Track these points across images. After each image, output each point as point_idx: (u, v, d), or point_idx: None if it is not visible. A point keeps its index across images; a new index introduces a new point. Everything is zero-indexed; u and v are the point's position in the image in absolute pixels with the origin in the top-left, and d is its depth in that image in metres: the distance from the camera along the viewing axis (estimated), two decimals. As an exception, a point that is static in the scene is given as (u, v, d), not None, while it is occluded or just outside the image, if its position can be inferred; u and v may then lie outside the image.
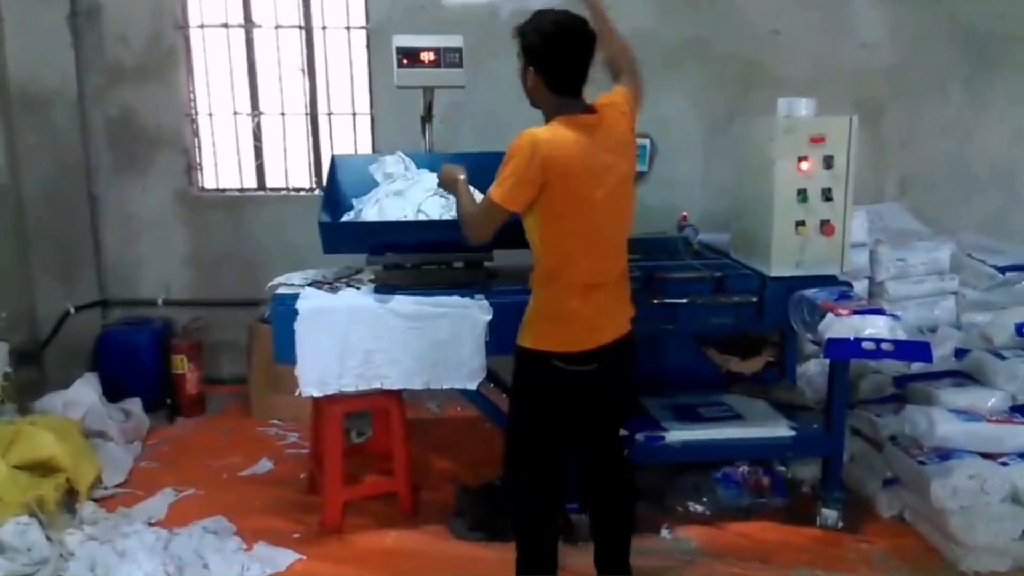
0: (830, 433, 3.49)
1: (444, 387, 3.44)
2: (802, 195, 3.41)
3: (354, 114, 5.31)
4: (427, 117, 3.94)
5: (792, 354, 4.04)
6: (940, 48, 5.12)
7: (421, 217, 3.51)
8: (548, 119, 2.61)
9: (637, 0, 5.02)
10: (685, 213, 3.86)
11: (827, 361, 3.46)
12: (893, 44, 5.14)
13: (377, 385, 3.40)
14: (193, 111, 5.29)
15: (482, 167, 3.80)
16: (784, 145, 3.39)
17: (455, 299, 3.37)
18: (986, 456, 3.34)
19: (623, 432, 3.21)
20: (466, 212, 2.75)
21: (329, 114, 5.32)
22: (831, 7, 5.11)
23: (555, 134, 2.53)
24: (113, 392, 4.56)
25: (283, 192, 5.40)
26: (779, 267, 3.46)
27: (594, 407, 2.77)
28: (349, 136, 5.34)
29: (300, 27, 5.22)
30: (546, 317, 2.67)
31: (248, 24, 5.22)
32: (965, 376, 3.79)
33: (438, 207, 3.51)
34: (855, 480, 3.76)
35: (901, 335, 3.06)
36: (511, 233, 3.50)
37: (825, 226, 3.43)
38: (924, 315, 4.45)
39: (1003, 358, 3.68)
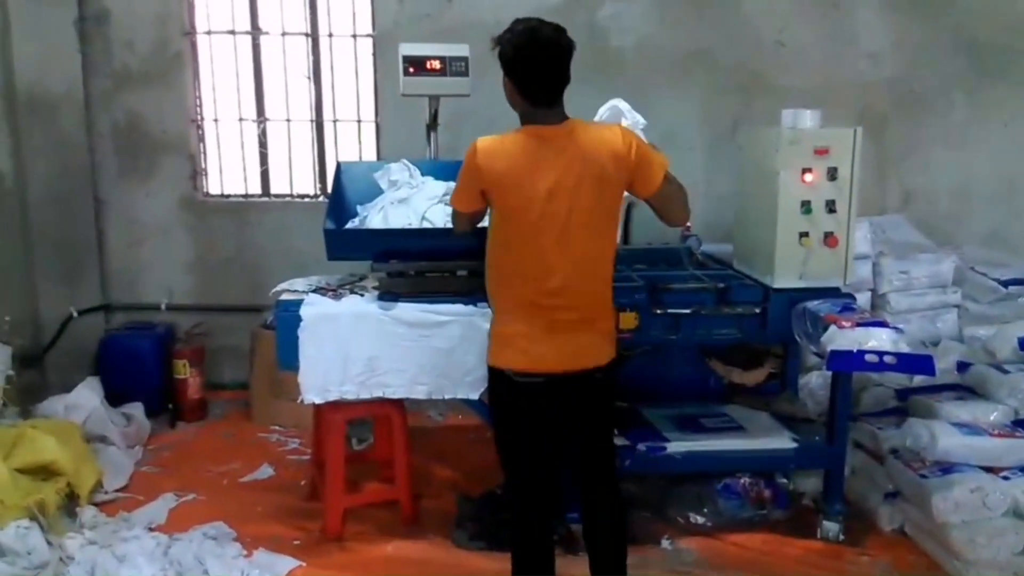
0: (832, 445, 3.49)
1: (447, 397, 3.44)
2: (806, 207, 3.41)
3: (359, 121, 5.32)
4: (432, 125, 3.95)
5: (794, 366, 4.04)
6: (944, 60, 5.12)
7: (425, 225, 3.52)
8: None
9: (643, 9, 5.04)
10: (688, 223, 3.86)
11: (829, 373, 3.46)
12: (897, 56, 5.15)
13: (379, 394, 3.40)
14: (199, 117, 5.31)
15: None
16: (788, 156, 3.40)
17: (458, 307, 3.38)
18: (988, 470, 3.33)
19: (619, 442, 3.21)
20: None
21: (334, 121, 5.34)
22: (836, 19, 5.11)
23: (500, 144, 2.53)
24: (115, 396, 4.56)
25: (287, 198, 5.41)
26: (782, 278, 3.46)
27: (561, 419, 2.71)
28: (354, 143, 5.35)
29: (307, 34, 5.24)
30: (492, 333, 2.71)
31: (255, 31, 5.24)
32: (967, 390, 3.79)
33: (442, 215, 3.52)
34: (856, 493, 3.75)
35: (904, 348, 3.05)
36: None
37: (828, 238, 3.43)
38: (927, 328, 4.46)
39: (1005, 372, 3.69)
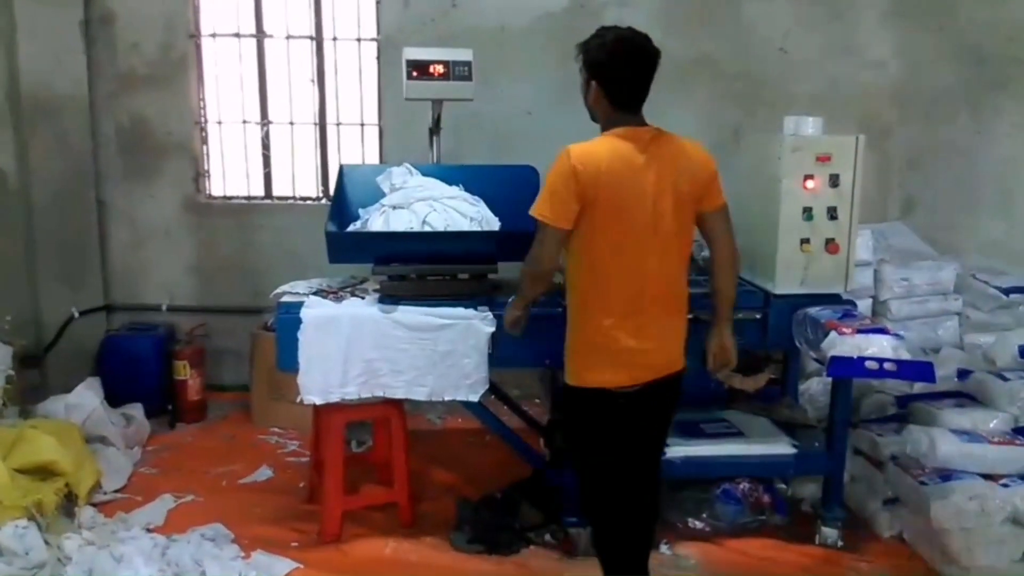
0: (831, 451, 3.48)
1: (447, 399, 3.44)
2: (807, 213, 3.41)
3: (362, 125, 5.34)
4: (435, 129, 3.96)
5: (794, 372, 4.04)
6: (947, 69, 5.13)
7: (427, 228, 3.52)
8: (604, 132, 2.63)
9: (646, 16, 5.05)
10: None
11: (829, 379, 3.46)
12: (900, 64, 5.17)
13: (380, 393, 3.40)
14: (203, 119, 5.33)
15: (488, 179, 3.84)
16: (790, 163, 3.40)
17: (459, 310, 3.38)
18: (987, 477, 3.33)
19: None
20: (527, 259, 2.71)
21: (338, 124, 5.35)
22: (839, 27, 5.13)
23: (594, 146, 2.53)
24: (115, 397, 4.56)
25: (290, 201, 5.42)
26: (783, 285, 3.46)
27: (645, 426, 2.71)
28: (357, 147, 5.37)
29: (311, 38, 5.26)
30: (586, 347, 2.63)
31: (259, 34, 5.26)
32: (967, 397, 3.78)
33: (443, 219, 3.53)
34: (856, 499, 3.75)
35: (904, 355, 3.05)
36: (516, 245, 3.53)
37: (830, 245, 3.43)
38: (927, 335, 4.46)
39: (1006, 379, 3.68)
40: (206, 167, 5.38)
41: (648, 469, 2.79)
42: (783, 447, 3.56)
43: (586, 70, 2.61)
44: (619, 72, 2.55)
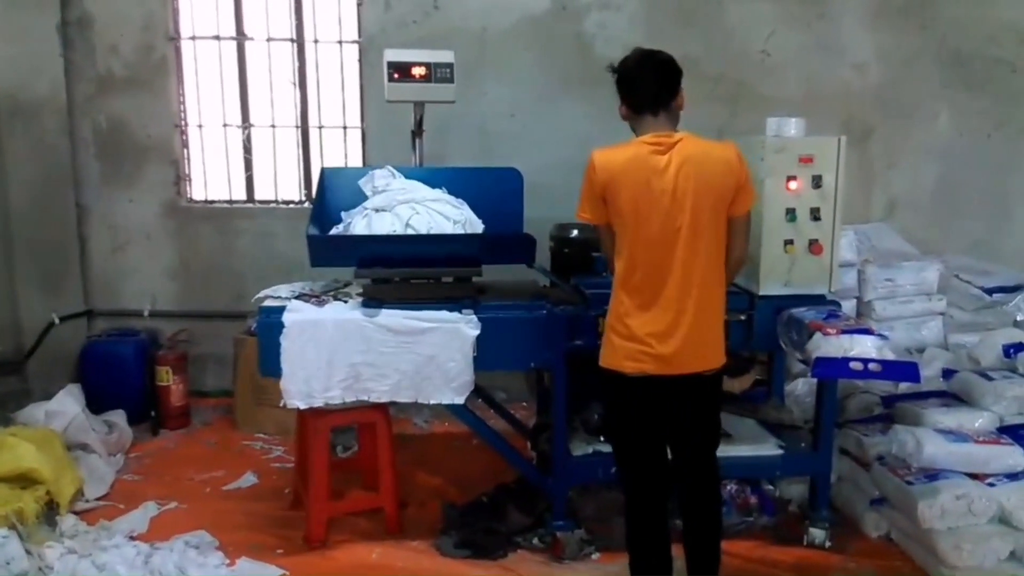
0: (818, 452, 3.49)
1: (431, 402, 3.42)
2: (790, 215, 3.41)
3: (345, 127, 5.31)
4: (418, 131, 3.94)
5: (780, 373, 4.04)
6: (929, 70, 5.16)
7: (409, 231, 3.50)
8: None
9: (628, 19, 5.06)
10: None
11: (815, 380, 3.47)
12: (882, 66, 5.19)
13: (364, 398, 3.38)
14: (183, 122, 5.28)
15: (471, 181, 3.83)
16: (773, 164, 3.40)
17: (443, 314, 3.36)
18: (973, 476, 3.34)
19: (605, 449, 3.26)
20: None
21: (320, 127, 5.32)
22: (821, 28, 5.15)
23: (615, 149, 2.72)
24: (97, 404, 4.50)
25: (272, 205, 5.38)
26: (768, 286, 3.45)
27: (656, 419, 2.84)
28: (340, 149, 5.34)
29: (292, 40, 5.23)
30: (608, 331, 2.82)
31: (240, 36, 5.22)
32: (952, 397, 3.79)
33: (426, 222, 3.50)
34: (842, 500, 3.76)
35: (889, 355, 3.05)
36: (500, 248, 3.52)
37: (813, 246, 3.43)
38: (912, 335, 4.47)
39: (990, 379, 3.69)
40: (187, 171, 5.33)
41: (659, 458, 2.93)
42: (770, 448, 3.57)
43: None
44: (629, 79, 2.76)
